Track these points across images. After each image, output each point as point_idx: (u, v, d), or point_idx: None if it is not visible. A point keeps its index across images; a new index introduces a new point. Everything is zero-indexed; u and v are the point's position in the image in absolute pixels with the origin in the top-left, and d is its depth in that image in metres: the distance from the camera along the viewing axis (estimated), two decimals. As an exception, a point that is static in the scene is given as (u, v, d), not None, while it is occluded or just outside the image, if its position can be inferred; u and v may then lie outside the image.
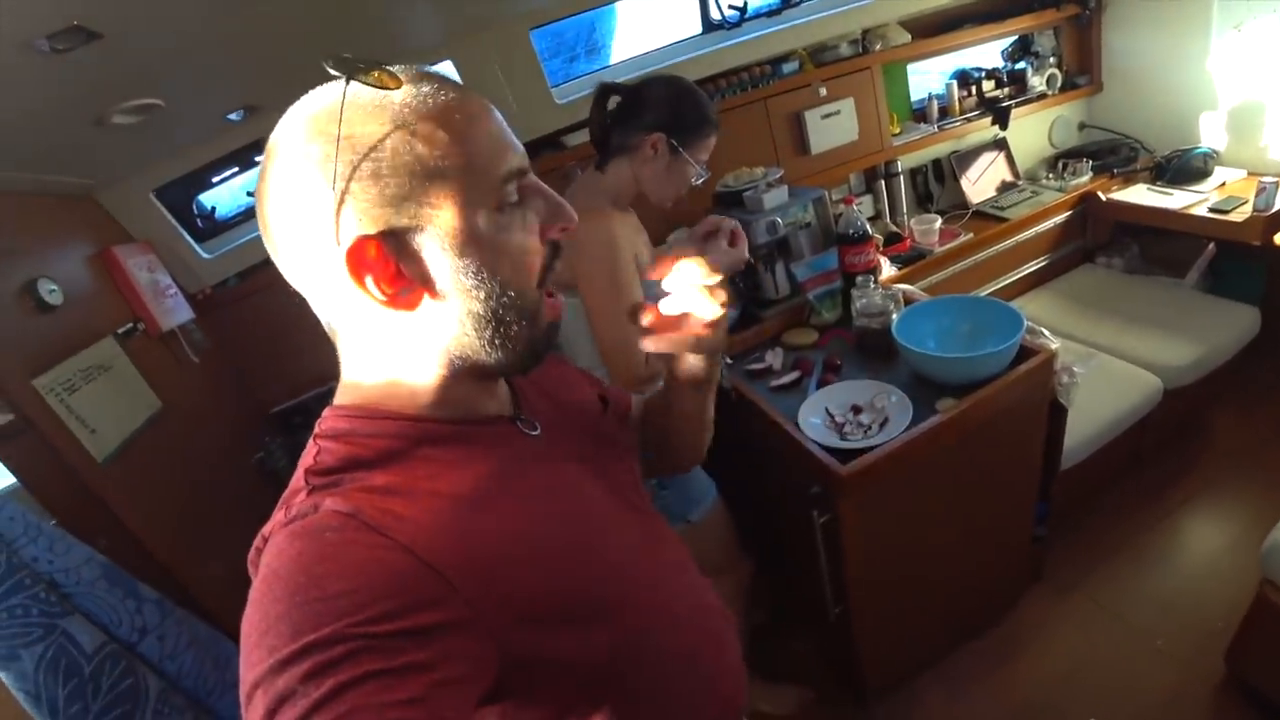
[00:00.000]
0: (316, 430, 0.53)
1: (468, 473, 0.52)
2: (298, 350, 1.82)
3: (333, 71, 0.44)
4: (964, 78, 2.37)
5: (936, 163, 2.43)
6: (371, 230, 0.45)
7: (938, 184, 2.46)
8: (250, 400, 1.88)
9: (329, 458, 0.50)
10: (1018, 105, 2.37)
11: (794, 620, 1.89)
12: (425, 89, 0.47)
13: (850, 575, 1.36)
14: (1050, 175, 2.46)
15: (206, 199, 1.80)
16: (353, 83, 0.45)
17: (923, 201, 2.46)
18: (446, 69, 1.68)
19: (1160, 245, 2.37)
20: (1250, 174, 2.08)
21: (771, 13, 1.97)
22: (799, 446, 1.30)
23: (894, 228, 2.25)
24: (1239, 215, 1.91)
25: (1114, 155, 2.40)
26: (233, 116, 1.44)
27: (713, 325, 0.59)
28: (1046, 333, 1.44)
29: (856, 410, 1.36)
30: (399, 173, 0.45)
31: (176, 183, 1.63)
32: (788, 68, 2.06)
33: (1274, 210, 1.84)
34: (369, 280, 0.46)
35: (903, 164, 2.31)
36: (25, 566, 0.83)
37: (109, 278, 1.47)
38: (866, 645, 1.52)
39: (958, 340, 1.48)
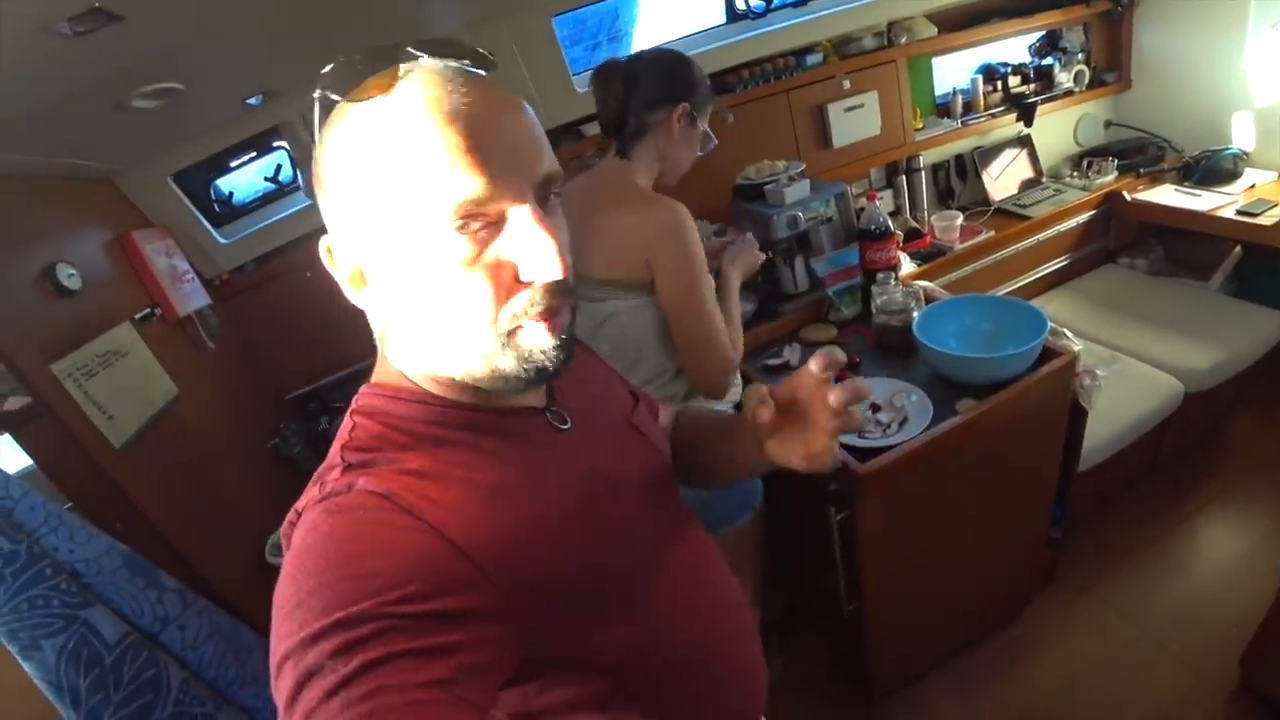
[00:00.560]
0: (353, 405, 0.54)
1: (500, 462, 0.52)
2: (313, 336, 1.83)
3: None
4: (989, 73, 2.32)
5: (959, 158, 2.39)
6: None
7: (960, 180, 2.42)
8: (266, 386, 1.88)
9: (363, 434, 0.51)
10: (1044, 102, 2.32)
11: (806, 617, 1.89)
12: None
13: (865, 573, 1.36)
14: (1074, 174, 2.42)
15: (224, 184, 1.79)
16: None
17: (944, 198, 2.43)
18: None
19: (1185, 247, 2.33)
20: (1280, 176, 2.04)
21: (797, 3, 1.93)
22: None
23: (914, 224, 2.22)
24: (1268, 219, 1.87)
25: (1141, 154, 2.35)
26: (252, 101, 1.43)
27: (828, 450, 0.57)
28: (1069, 334, 1.42)
29: (875, 409, 1.35)
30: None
31: (194, 168, 1.62)
32: (812, 59, 2.02)
33: (1305, 214, 1.80)
34: None
35: (925, 159, 2.27)
36: (46, 556, 0.83)
37: (127, 263, 1.46)
38: (878, 643, 1.51)
39: (979, 340, 1.46)
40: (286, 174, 1.81)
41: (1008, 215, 2.28)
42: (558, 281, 0.47)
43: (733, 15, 1.96)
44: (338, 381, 1.93)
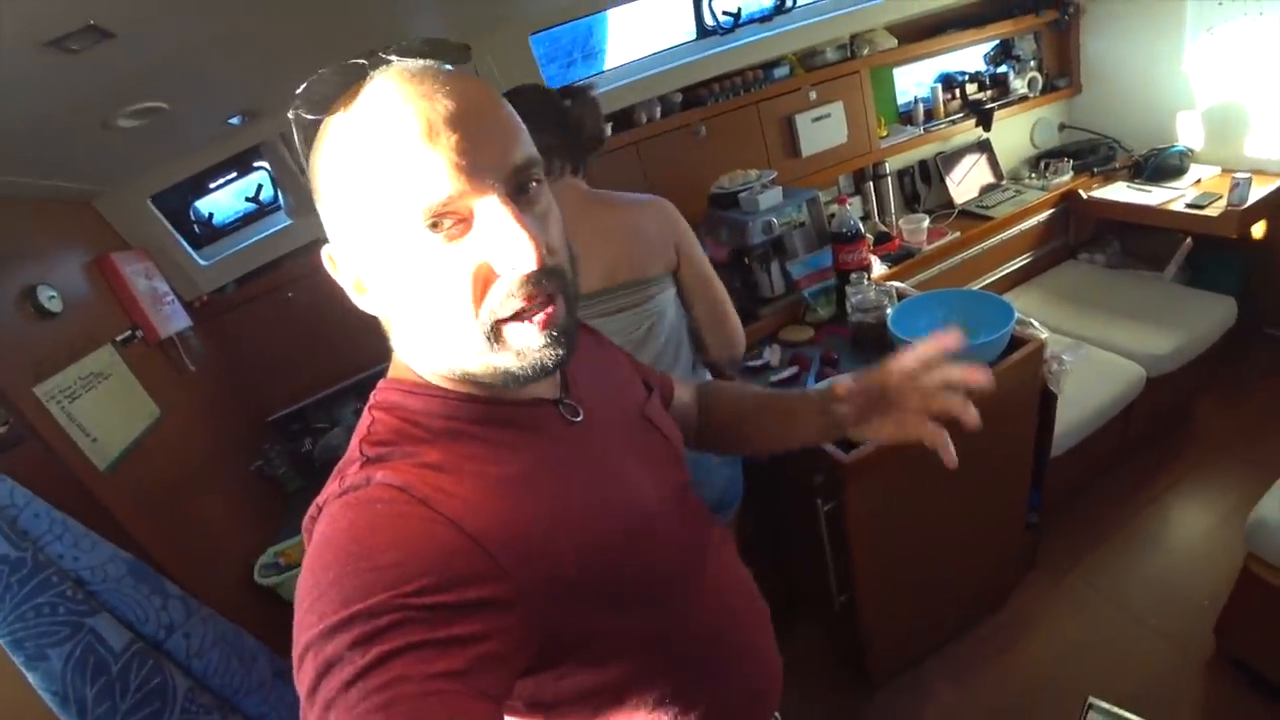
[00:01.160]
0: (371, 401, 0.54)
1: (515, 454, 0.53)
2: (295, 357, 1.83)
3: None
4: (948, 81, 2.43)
5: (923, 164, 2.48)
6: None
7: (924, 184, 2.51)
8: (248, 408, 1.86)
9: (381, 428, 0.51)
10: (1000, 107, 2.43)
11: (800, 609, 1.91)
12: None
13: (856, 563, 1.39)
14: (1033, 175, 2.53)
15: (203, 205, 1.79)
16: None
17: (910, 202, 2.52)
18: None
19: (1140, 241, 2.44)
20: (1224, 170, 2.15)
21: (764, 19, 2.01)
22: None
23: (883, 227, 2.30)
24: (1214, 210, 1.98)
25: (1094, 154, 2.46)
26: (233, 120, 1.44)
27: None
28: (1036, 323, 1.48)
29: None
30: None
31: (173, 188, 1.61)
32: (779, 72, 2.10)
33: (1247, 205, 1.90)
34: None
35: (890, 165, 2.36)
36: (52, 564, 0.81)
37: (106, 285, 1.45)
38: (872, 632, 1.54)
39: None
40: (268, 194, 1.81)
41: (972, 216, 2.37)
42: (535, 271, 0.46)
43: (702, 31, 2.03)
44: (320, 401, 1.92)
